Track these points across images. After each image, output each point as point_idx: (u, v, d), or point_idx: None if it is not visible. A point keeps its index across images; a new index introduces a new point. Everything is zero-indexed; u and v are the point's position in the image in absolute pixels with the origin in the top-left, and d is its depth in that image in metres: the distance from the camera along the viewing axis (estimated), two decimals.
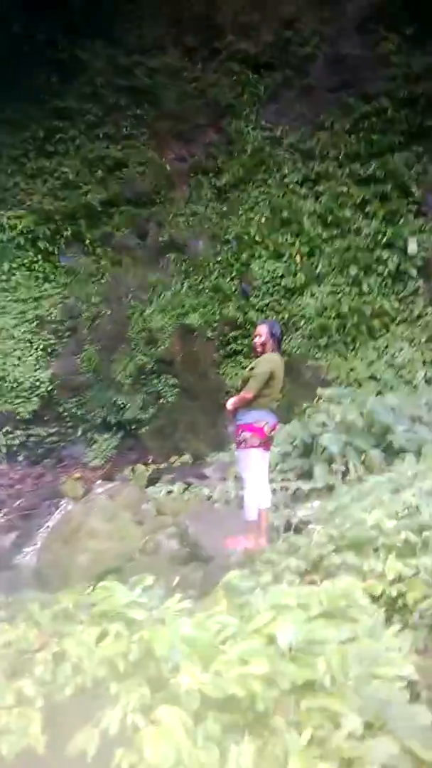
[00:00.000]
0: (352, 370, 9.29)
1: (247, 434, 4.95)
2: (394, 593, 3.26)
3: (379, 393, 8.05)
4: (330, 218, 10.92)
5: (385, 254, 10.35)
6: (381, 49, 11.36)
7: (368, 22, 11.47)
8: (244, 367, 9.84)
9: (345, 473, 5.94)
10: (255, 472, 5.03)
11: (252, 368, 5.06)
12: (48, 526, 6.81)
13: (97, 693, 2.15)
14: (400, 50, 11.20)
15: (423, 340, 9.65)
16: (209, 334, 10.79)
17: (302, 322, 10.24)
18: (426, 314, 9.96)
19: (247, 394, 4.93)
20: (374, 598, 3.27)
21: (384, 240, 10.46)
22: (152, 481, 8.43)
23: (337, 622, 3.16)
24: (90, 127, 12.31)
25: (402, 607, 3.17)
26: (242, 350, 10.36)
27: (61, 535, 6.39)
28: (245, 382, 5.05)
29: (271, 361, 5.11)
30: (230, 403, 5.06)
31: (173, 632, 2.24)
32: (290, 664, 2.21)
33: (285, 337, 10.07)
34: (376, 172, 10.99)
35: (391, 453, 5.93)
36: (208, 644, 2.25)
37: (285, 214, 11.16)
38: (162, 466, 9.36)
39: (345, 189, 11.14)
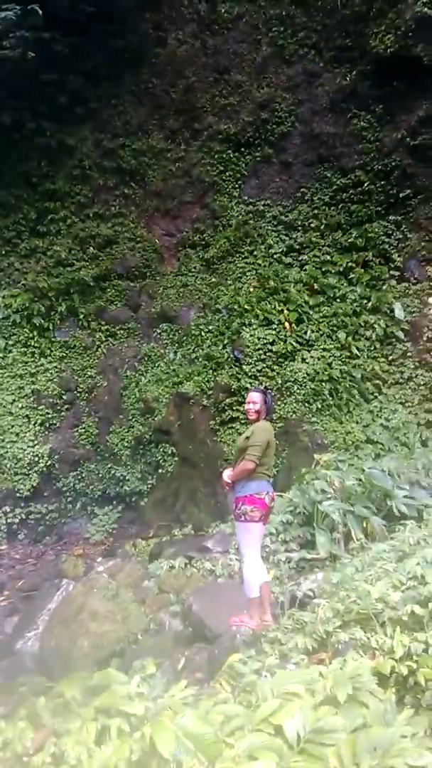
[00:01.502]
0: (348, 433, 9.36)
1: (247, 507, 4.81)
2: (404, 671, 3.21)
3: (377, 456, 8.08)
4: (316, 286, 11.28)
5: (371, 319, 10.63)
6: (353, 126, 12.02)
7: (339, 102, 12.18)
8: (240, 434, 9.94)
9: (347, 541, 5.91)
10: (255, 547, 4.88)
11: (248, 437, 4.97)
12: (49, 608, 6.67)
13: None
14: (371, 126, 11.84)
15: (416, 401, 9.79)
16: (204, 402, 10.90)
17: (295, 387, 10.38)
18: (416, 376, 10.15)
19: (249, 464, 4.80)
20: (384, 678, 3.22)
21: (369, 305, 10.78)
22: (154, 555, 8.33)
23: (346, 708, 3.11)
24: (80, 207, 12.81)
25: (414, 685, 3.12)
26: (238, 417, 10.44)
27: (63, 618, 6.27)
28: (241, 451, 4.95)
29: (266, 429, 5.05)
30: (228, 476, 4.92)
31: (177, 728, 2.20)
32: (299, 757, 2.16)
33: (280, 402, 10.20)
34: (357, 241, 11.44)
35: (392, 519, 5.92)
36: (213, 739, 2.21)
37: (272, 283, 11.53)
38: (164, 539, 9.26)
39: (328, 257, 11.59)
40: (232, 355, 11.13)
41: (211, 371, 11.20)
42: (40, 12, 10.59)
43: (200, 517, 9.62)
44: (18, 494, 10.76)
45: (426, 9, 10.50)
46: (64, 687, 3.06)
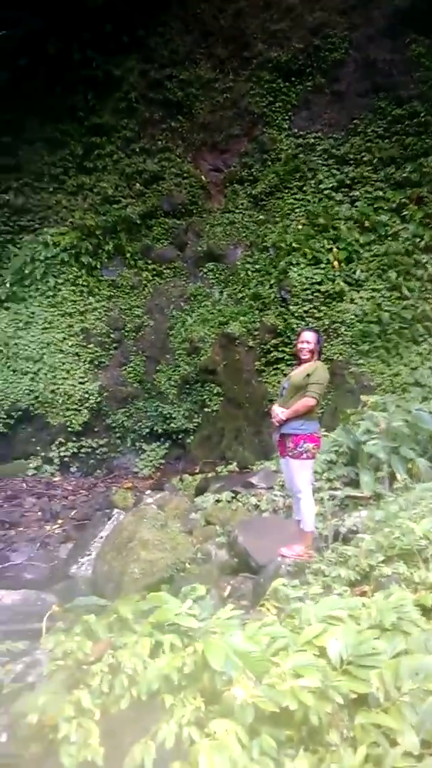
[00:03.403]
0: (396, 375, 9.25)
1: (309, 445, 4.93)
2: None
3: (425, 399, 7.99)
4: (367, 223, 10.91)
5: (424, 258, 10.28)
6: (411, 52, 11.30)
7: (397, 26, 11.42)
8: (285, 374, 9.94)
9: (392, 481, 5.95)
10: (311, 483, 5.09)
11: (308, 375, 4.96)
12: (101, 537, 7.00)
13: (153, 705, 2.26)
14: (430, 52, 11.09)
15: None
16: (250, 342, 10.90)
17: (343, 329, 10.25)
18: None
19: (311, 401, 4.87)
20: (427, 611, 3.31)
21: (423, 243, 10.39)
22: (200, 490, 8.57)
23: (389, 635, 3.23)
24: (126, 141, 12.62)
25: None
26: (284, 358, 10.43)
27: (114, 545, 6.55)
28: (298, 389, 4.97)
29: (326, 369, 5.11)
30: (284, 412, 4.96)
31: (226, 644, 2.33)
32: (342, 677, 2.27)
33: (327, 344, 10.10)
34: (411, 176, 10.95)
35: None
36: (260, 657, 2.33)
37: (321, 220, 11.20)
38: (209, 475, 9.51)
39: (381, 193, 11.14)
40: (278, 295, 11.01)
41: (257, 311, 11.14)
42: None
43: (245, 455, 9.80)
44: (70, 429, 11.16)
45: None
46: (119, 606, 3.21)
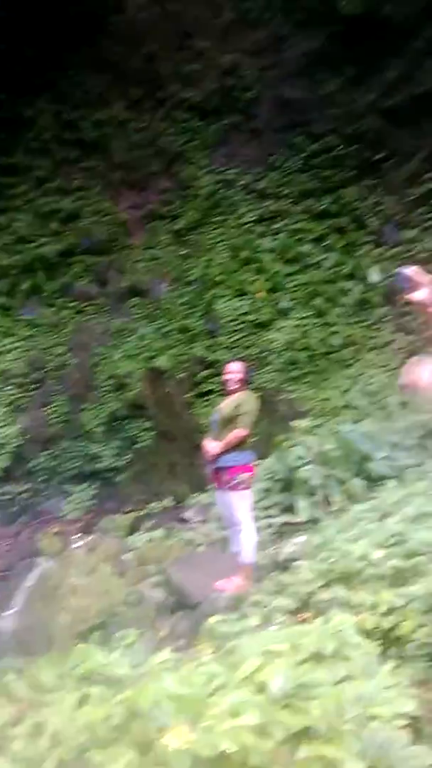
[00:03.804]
0: (326, 400, 9.31)
1: (244, 475, 4.90)
2: (387, 625, 3.16)
3: (356, 421, 8.04)
4: (289, 254, 11.13)
5: (347, 285, 10.55)
6: (324, 90, 11.78)
7: (309, 66, 11.92)
8: (217, 406, 9.79)
9: (328, 505, 5.85)
10: (250, 514, 4.99)
11: (237, 405, 4.95)
12: (27, 587, 6.54)
13: (81, 764, 2.00)
14: (342, 90, 11.62)
15: (394, 365, 9.75)
16: (180, 375, 10.76)
17: (272, 356, 10.29)
18: (394, 340, 10.09)
19: (243, 431, 4.85)
20: (368, 633, 3.18)
21: (345, 271, 10.67)
22: (132, 529, 8.21)
23: (330, 662, 3.05)
24: (40, 181, 12.52)
25: (397, 639, 3.08)
26: (214, 389, 10.32)
27: (41, 595, 6.14)
28: (229, 421, 4.94)
29: (255, 399, 5.09)
30: (217, 445, 4.92)
31: (158, 689, 2.12)
32: (283, 711, 2.09)
33: (256, 372, 10.09)
34: (330, 207, 11.32)
35: (372, 481, 5.88)
36: (195, 698, 2.13)
37: (244, 253, 11.37)
38: (142, 512, 9.15)
39: (302, 225, 11.42)
40: (206, 327, 10.97)
41: (185, 344, 11.05)
42: None
43: (179, 490, 9.51)
44: None
45: None
46: (40, 667, 2.95)
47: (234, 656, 3.53)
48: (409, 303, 1.74)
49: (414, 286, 1.79)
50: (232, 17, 12.43)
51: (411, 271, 1.75)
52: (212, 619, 4.15)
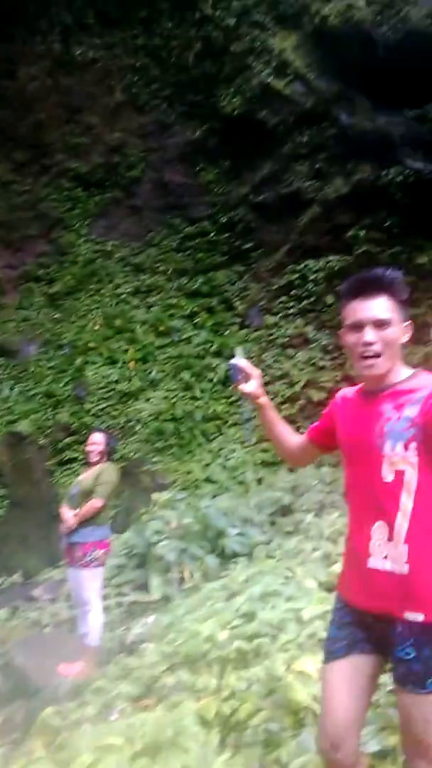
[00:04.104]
0: (188, 473, 9.40)
1: (98, 552, 4.77)
2: (228, 710, 3.17)
3: (215, 495, 8.18)
4: (162, 327, 11.43)
5: (214, 362, 10.93)
6: (201, 179, 12.57)
7: (189, 154, 12.70)
8: (78, 475, 9.53)
9: (181, 582, 5.83)
10: (100, 594, 4.85)
11: (97, 476, 4.89)
12: None
13: None
14: (218, 180, 12.46)
15: (253, 441, 10.13)
16: (41, 441, 10.40)
17: (138, 426, 10.29)
18: (254, 417, 10.44)
19: (98, 502, 4.75)
20: (208, 719, 3.16)
21: (213, 348, 11.10)
22: None
23: (166, 754, 2.99)
24: None
25: (236, 724, 3.09)
26: (77, 458, 10.06)
27: None
28: (88, 493, 4.84)
29: (116, 471, 5.05)
30: (74, 515, 4.78)
31: None
32: None
33: (122, 442, 10.01)
34: (202, 287, 11.85)
35: (226, 558, 5.97)
36: None
37: (118, 322, 11.51)
38: None
39: (175, 301, 11.83)
40: (74, 393, 10.81)
41: (50, 409, 10.77)
42: None
43: (30, 564, 8.99)
44: None
45: (270, 79, 11.43)
46: None
47: (66, 752, 3.37)
48: (241, 393, 1.87)
49: (245, 376, 1.93)
50: (122, 99, 13.02)
51: (241, 362, 1.90)
52: (48, 710, 3.92)
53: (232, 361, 2.19)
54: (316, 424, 2.13)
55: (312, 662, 3.16)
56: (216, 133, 12.38)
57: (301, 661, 3.36)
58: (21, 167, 12.88)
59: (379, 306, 1.76)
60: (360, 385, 1.97)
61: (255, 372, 2.17)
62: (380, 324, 1.76)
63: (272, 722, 2.91)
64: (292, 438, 2.21)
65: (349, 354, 1.86)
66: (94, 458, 5.10)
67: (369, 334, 1.75)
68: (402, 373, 1.84)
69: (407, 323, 1.84)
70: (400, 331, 1.80)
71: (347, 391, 2.03)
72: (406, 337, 1.83)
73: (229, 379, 2.15)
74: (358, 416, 1.87)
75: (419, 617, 1.67)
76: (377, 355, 1.76)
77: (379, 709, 2.64)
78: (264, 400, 2.17)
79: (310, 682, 3.01)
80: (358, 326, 1.78)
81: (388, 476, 1.73)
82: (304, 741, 2.66)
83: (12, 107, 12.74)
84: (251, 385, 2.14)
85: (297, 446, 2.19)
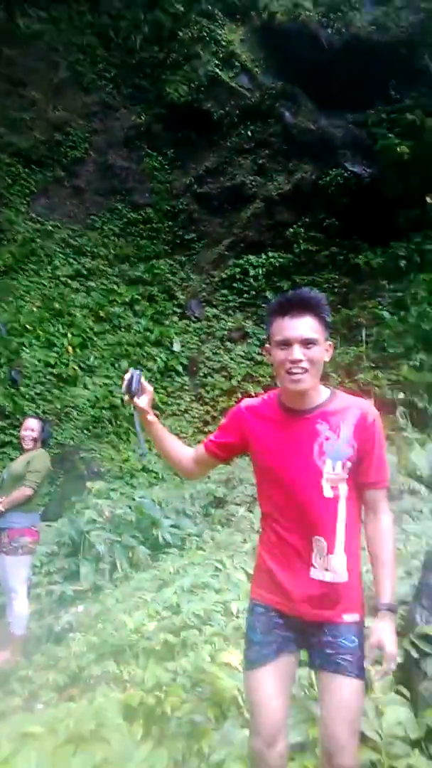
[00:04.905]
0: (125, 461, 9.41)
1: (26, 539, 4.71)
2: (152, 702, 3.24)
3: (151, 485, 8.23)
4: (101, 313, 11.31)
5: (154, 351, 10.95)
6: (146, 164, 12.46)
7: (134, 139, 12.56)
8: (12, 459, 9.36)
9: (113, 572, 5.87)
10: (26, 582, 4.79)
11: (28, 462, 4.83)
12: None
13: None
14: (162, 168, 12.38)
15: (190, 432, 10.22)
16: None
17: (75, 413, 10.19)
18: (192, 409, 10.61)
19: (28, 491, 4.70)
20: (132, 710, 3.23)
21: (153, 337, 11.09)
22: None
23: (88, 745, 3.05)
24: None
25: (160, 715, 3.16)
26: (11, 441, 9.87)
27: None
28: (18, 479, 4.78)
29: (47, 458, 5.00)
30: (1, 502, 4.71)
31: None
32: None
33: (57, 428, 9.89)
34: (144, 275, 11.79)
35: (158, 549, 6.06)
36: None
37: (56, 305, 11.29)
38: None
39: (115, 287, 11.72)
40: (8, 376, 10.56)
41: None
42: None
43: None
44: None
45: (217, 70, 11.41)
46: None
47: None
48: (133, 404, 1.87)
49: (141, 389, 1.96)
50: (66, 76, 12.70)
51: (140, 376, 1.92)
52: None
53: (135, 370, 2.17)
54: (215, 437, 2.14)
55: (237, 655, 3.23)
56: (161, 119, 12.30)
57: (226, 653, 3.46)
58: None
59: (306, 325, 1.86)
60: (264, 399, 2.05)
61: (149, 388, 2.19)
62: (307, 343, 1.85)
63: (196, 714, 2.99)
64: (183, 451, 2.20)
65: (276, 369, 1.94)
66: (27, 444, 5.02)
67: (296, 352, 1.84)
68: (323, 392, 1.96)
69: (329, 343, 1.95)
70: (324, 351, 1.91)
71: (253, 404, 2.07)
72: (327, 356, 1.94)
73: (128, 386, 2.15)
74: (287, 435, 1.94)
75: (356, 617, 1.87)
76: (304, 371, 1.85)
77: (298, 702, 2.77)
78: (152, 417, 2.17)
79: (234, 674, 3.11)
80: (286, 344, 1.86)
81: (329, 493, 1.86)
82: (228, 733, 2.76)
83: None
84: (144, 401, 2.14)
85: (191, 459, 2.17)
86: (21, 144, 12.43)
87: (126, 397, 2.17)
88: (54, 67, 12.74)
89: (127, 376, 2.16)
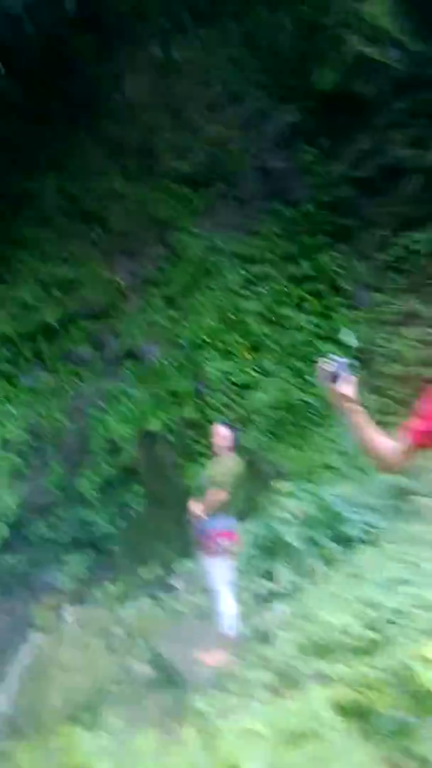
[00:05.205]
0: (307, 461, 9.47)
1: (226, 542, 4.98)
2: (362, 700, 3.28)
3: (334, 482, 8.19)
4: (272, 317, 11.50)
5: (325, 347, 10.84)
6: (301, 161, 12.44)
7: (288, 138, 12.63)
8: (206, 468, 9.92)
9: (308, 571, 5.97)
10: (229, 582, 5.04)
11: (222, 468, 5.16)
12: (20, 664, 6.57)
13: None
14: (318, 160, 12.28)
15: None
16: (170, 438, 10.95)
17: (256, 417, 10.50)
18: (368, 401, 10.25)
19: (221, 493, 4.97)
20: (344, 709, 3.29)
21: (323, 334, 11.02)
22: (123, 599, 8.24)
23: (307, 743, 3.17)
24: (44, 252, 12.99)
25: (369, 714, 3.19)
26: (204, 452, 10.46)
27: (33, 673, 6.20)
28: (212, 484, 5.09)
29: (237, 462, 5.28)
30: (200, 507, 5.05)
31: None
32: None
33: (242, 432, 10.27)
34: (309, 272, 11.74)
35: (350, 545, 6.03)
36: None
37: (231, 315, 11.73)
38: (132, 581, 9.14)
39: (283, 289, 11.84)
40: (195, 389, 11.23)
41: (175, 406, 11.27)
42: None
43: (168, 556, 9.55)
44: None
45: (364, 49, 11.06)
46: (22, 754, 3.06)
47: (216, 738, 3.64)
48: (336, 393, 1.83)
49: (346, 378, 1.94)
50: (220, 93, 13.23)
51: (345, 364, 1.90)
52: (197, 697, 4.24)
53: (339, 358, 2.12)
54: (418, 426, 2.01)
55: None
56: (313, 112, 12.22)
57: (428, 648, 3.38)
58: (132, 175, 13.48)
59: None
60: None
61: (352, 376, 2.15)
62: None
63: (401, 710, 2.96)
64: (386, 442, 2.10)
65: None
66: (219, 451, 5.32)
67: None
68: None
69: None
70: None
71: None
72: None
73: (334, 376, 2.09)
74: None
75: None
76: None
77: None
78: (356, 406, 2.12)
79: None
80: None
81: None
82: None
83: (120, 118, 13.38)
84: (348, 389, 2.09)
85: (394, 450, 2.07)
86: (183, 168, 13.17)
87: (330, 386, 2.11)
88: (207, 87, 13.34)
89: (326, 366, 2.12)
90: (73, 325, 12.70)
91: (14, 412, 11.84)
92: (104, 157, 13.35)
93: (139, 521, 10.59)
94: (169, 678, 5.16)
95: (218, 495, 5.01)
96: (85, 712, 5.05)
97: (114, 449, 11.22)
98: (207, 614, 6.18)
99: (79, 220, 13.19)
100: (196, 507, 5.17)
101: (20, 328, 12.35)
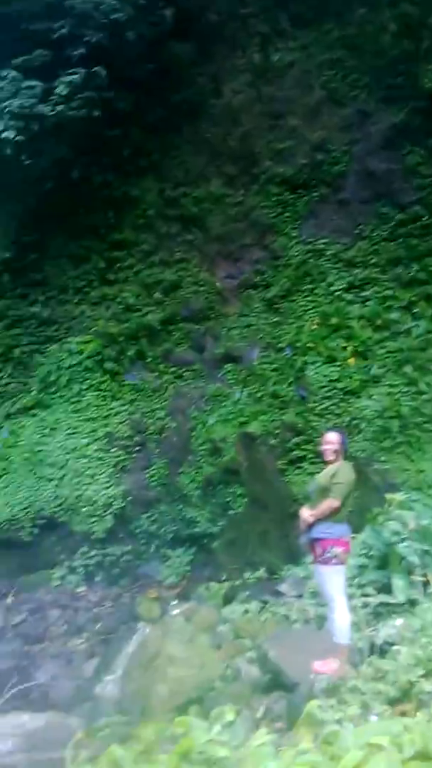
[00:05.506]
0: (420, 472, 9.16)
1: (338, 550, 4.90)
2: None
3: None
4: (379, 321, 11.23)
5: None
6: (408, 162, 12.09)
7: (393, 139, 12.30)
8: (309, 474, 9.83)
9: (426, 585, 5.78)
10: (344, 591, 4.97)
11: (333, 475, 5.04)
12: (127, 652, 6.80)
13: None
14: (425, 161, 11.88)
15: None
16: (271, 441, 10.95)
17: (363, 425, 10.27)
18: None
19: (335, 502, 4.89)
20: None
21: None
22: (227, 599, 8.32)
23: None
24: (145, 254, 13.40)
25: None
26: (306, 456, 10.40)
27: (140, 662, 6.38)
28: (324, 490, 5.02)
29: (351, 470, 5.17)
30: (311, 514, 4.99)
31: None
32: None
33: (349, 440, 10.09)
34: (418, 275, 11.38)
35: None
36: None
37: (334, 320, 11.56)
38: (236, 582, 9.24)
39: (390, 293, 11.54)
40: (297, 394, 11.16)
41: (276, 410, 11.26)
42: (104, 73, 11.36)
43: (272, 560, 9.55)
44: (94, 536, 11.05)
45: None
46: (143, 733, 3.12)
47: (334, 747, 3.59)
48: None
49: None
50: (321, 96, 13.11)
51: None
52: (311, 704, 4.19)
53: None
54: None
55: None
56: (419, 112, 11.88)
57: None
58: (232, 180, 13.59)
59: None
60: None
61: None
62: None
63: None
64: None
65: None
66: (329, 457, 5.23)
67: None
68: None
69: None
70: None
71: None
72: None
73: None
74: None
75: None
76: None
77: None
78: None
79: None
80: None
81: None
82: None
83: (220, 123, 13.55)
84: None
85: None
86: (286, 173, 13.14)
87: None
88: (309, 91, 13.23)
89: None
90: (174, 326, 13.03)
91: (119, 408, 12.29)
92: (204, 162, 13.58)
93: (240, 522, 10.67)
94: (277, 681, 5.14)
95: (332, 503, 4.93)
96: (192, 705, 5.13)
97: (215, 450, 11.38)
98: (316, 621, 6.13)
99: (179, 224, 13.49)
100: (307, 514, 5.09)
101: (124, 328, 12.81)
